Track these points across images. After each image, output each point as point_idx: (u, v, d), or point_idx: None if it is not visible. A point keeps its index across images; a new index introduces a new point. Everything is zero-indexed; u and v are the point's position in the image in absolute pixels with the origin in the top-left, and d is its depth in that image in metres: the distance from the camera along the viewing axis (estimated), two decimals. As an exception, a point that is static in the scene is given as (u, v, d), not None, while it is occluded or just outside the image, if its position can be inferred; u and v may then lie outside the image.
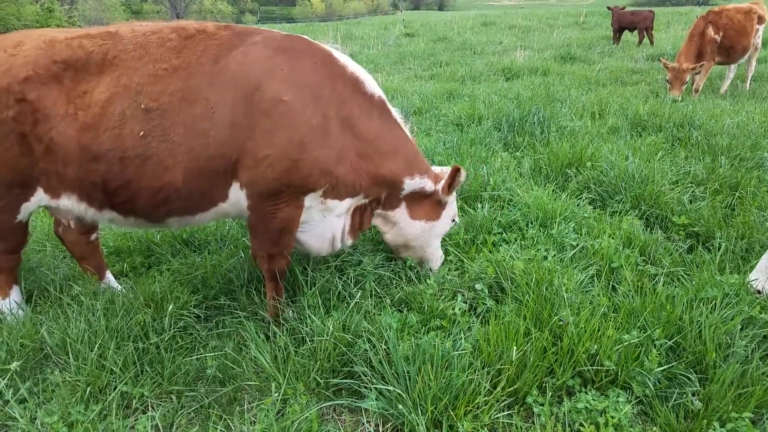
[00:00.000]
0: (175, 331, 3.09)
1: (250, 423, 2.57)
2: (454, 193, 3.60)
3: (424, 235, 3.59)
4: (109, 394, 2.66)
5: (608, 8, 19.16)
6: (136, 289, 3.40)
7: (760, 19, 9.47)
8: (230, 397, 2.78)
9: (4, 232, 3.11)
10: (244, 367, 2.87)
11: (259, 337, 2.99)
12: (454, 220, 3.69)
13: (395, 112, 3.36)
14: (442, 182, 3.44)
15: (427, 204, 3.52)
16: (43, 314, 3.20)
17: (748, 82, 10.01)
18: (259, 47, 2.92)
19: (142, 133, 2.75)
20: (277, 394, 2.64)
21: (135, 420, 2.61)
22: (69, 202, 2.98)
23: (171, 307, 3.16)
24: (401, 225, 3.53)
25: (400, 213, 3.50)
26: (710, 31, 9.12)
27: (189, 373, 2.87)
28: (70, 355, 2.81)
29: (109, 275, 3.67)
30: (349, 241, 3.50)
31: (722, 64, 9.59)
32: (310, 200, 3.08)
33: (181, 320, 3.20)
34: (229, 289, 3.58)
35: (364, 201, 3.37)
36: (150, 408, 2.69)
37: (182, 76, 2.79)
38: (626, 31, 18.19)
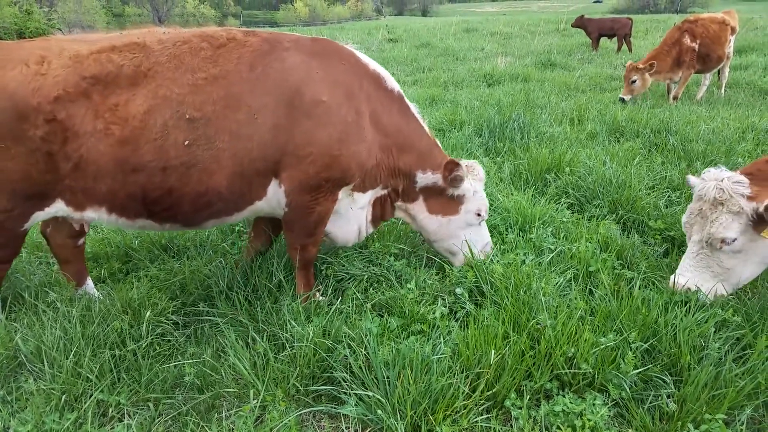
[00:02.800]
0: (152, 338, 3.06)
1: (229, 430, 2.55)
2: (478, 187, 3.66)
3: (443, 229, 3.70)
4: (85, 402, 2.61)
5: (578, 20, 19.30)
6: (114, 295, 3.35)
7: (732, 30, 9.69)
8: (208, 404, 2.75)
9: (7, 241, 3.05)
10: (223, 374, 2.85)
11: (238, 343, 2.97)
12: (479, 214, 3.68)
13: (413, 107, 3.53)
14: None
15: (443, 199, 3.62)
16: (18, 321, 3.14)
17: (723, 89, 10.23)
18: (293, 53, 3.08)
19: (186, 142, 2.82)
20: (255, 401, 2.63)
21: (111, 428, 2.57)
22: (95, 215, 3.00)
23: (149, 313, 3.12)
24: (419, 218, 3.69)
25: (418, 207, 3.66)
26: (687, 40, 9.29)
27: (167, 380, 2.84)
28: (45, 363, 2.77)
29: (89, 281, 3.62)
30: (371, 230, 3.70)
31: (698, 72, 9.79)
32: (342, 193, 3.29)
33: (159, 327, 3.16)
34: (207, 295, 3.55)
35: (383, 192, 3.56)
36: (126, 416, 2.65)
37: (223, 85, 2.89)
38: (604, 39, 18.53)
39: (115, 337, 2.98)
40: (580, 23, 18.69)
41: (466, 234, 3.71)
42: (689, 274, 3.31)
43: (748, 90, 10.60)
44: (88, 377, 2.72)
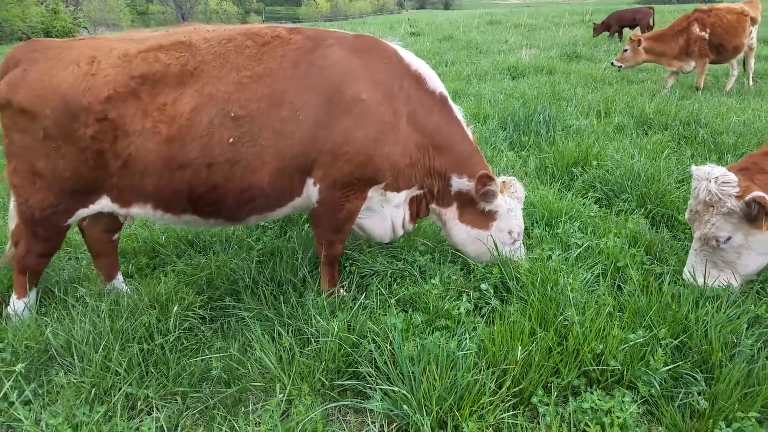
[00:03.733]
0: (180, 332, 3.10)
1: (255, 424, 2.56)
2: (514, 206, 3.51)
3: (470, 242, 3.58)
4: (114, 396, 2.66)
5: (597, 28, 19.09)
6: (142, 290, 3.41)
7: (753, 20, 9.38)
8: (235, 398, 2.78)
9: (50, 235, 3.16)
10: (249, 368, 2.87)
11: (264, 338, 2.99)
12: (510, 233, 3.52)
13: (456, 110, 3.47)
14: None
15: (476, 211, 3.51)
16: (48, 316, 3.22)
17: (750, 79, 9.98)
18: (336, 49, 3.07)
19: (231, 140, 2.87)
20: (281, 395, 2.64)
21: (140, 421, 2.61)
22: (141, 210, 3.06)
23: (176, 308, 3.16)
24: (449, 225, 3.62)
25: (451, 213, 3.58)
26: (696, 29, 9.09)
27: (194, 374, 2.88)
28: (75, 357, 2.82)
29: (119, 276, 3.69)
30: (410, 228, 3.69)
31: (714, 63, 9.57)
32: (373, 191, 3.29)
33: (186, 321, 3.21)
34: (233, 289, 3.58)
35: (419, 192, 3.52)
36: (155, 409, 2.69)
37: (267, 83, 2.91)
38: (622, 30, 18.41)
39: (143, 332, 3.03)
40: (602, 28, 18.50)
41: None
42: (696, 268, 3.33)
43: (781, 80, 10.29)
44: (117, 371, 2.77)
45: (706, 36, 9.08)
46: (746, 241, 3.18)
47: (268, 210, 3.21)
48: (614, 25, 18.03)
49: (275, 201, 3.15)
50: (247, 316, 3.26)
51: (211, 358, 2.94)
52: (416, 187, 3.46)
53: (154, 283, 3.49)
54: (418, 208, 3.60)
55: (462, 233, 3.59)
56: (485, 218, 3.52)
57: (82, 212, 3.09)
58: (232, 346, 3.04)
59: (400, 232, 3.64)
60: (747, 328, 2.91)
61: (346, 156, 3.02)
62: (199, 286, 3.62)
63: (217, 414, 2.63)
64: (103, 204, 3.05)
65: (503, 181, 3.56)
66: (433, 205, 3.60)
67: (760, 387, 2.53)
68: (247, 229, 4.43)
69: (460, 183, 3.46)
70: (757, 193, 2.99)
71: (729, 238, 3.17)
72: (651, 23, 17.48)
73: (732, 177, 3.16)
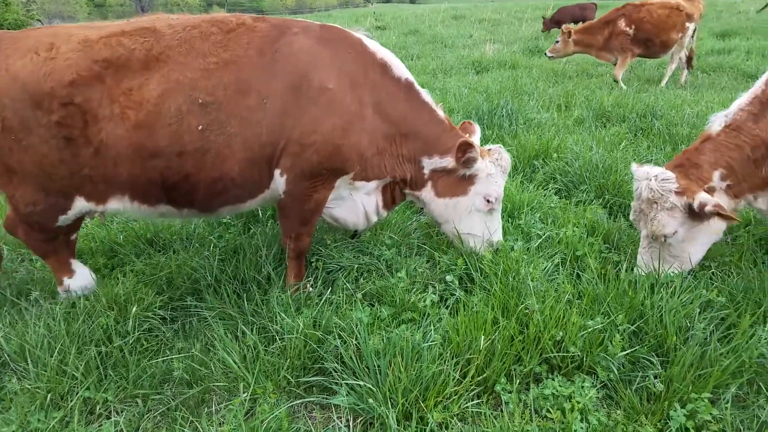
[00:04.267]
0: (139, 334, 3.03)
1: (219, 424, 2.53)
2: (494, 171, 3.48)
3: (449, 211, 3.56)
4: (71, 400, 2.58)
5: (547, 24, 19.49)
6: (99, 291, 3.30)
7: (689, 16, 9.34)
8: (198, 398, 2.73)
9: (42, 230, 3.12)
10: (212, 368, 2.82)
11: (227, 337, 2.95)
12: (489, 200, 3.49)
13: (423, 94, 3.44)
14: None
15: (452, 179, 3.48)
16: (0, 320, 3.09)
17: (684, 77, 9.95)
18: (301, 37, 3.05)
19: (200, 127, 2.83)
20: (245, 394, 2.61)
21: (99, 426, 2.54)
22: (119, 204, 3.02)
23: (135, 309, 3.09)
24: (428, 203, 3.61)
25: (426, 192, 3.57)
26: (621, 23, 9.20)
27: (155, 376, 2.82)
28: (29, 362, 2.73)
29: None
30: (384, 214, 3.69)
31: (644, 57, 9.70)
32: (340, 181, 3.28)
33: (146, 322, 3.13)
34: (195, 289, 3.51)
35: (389, 180, 3.50)
36: (114, 413, 2.62)
37: (233, 70, 2.88)
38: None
39: (100, 334, 2.95)
40: (552, 23, 18.88)
41: (471, 220, 3.53)
42: (648, 266, 3.45)
43: (731, 73, 10.66)
44: (73, 375, 2.69)
45: (630, 32, 9.16)
46: (690, 233, 3.32)
47: (240, 201, 3.19)
48: (567, 20, 18.41)
49: (247, 192, 3.13)
50: (210, 316, 3.21)
51: (172, 359, 2.88)
52: (388, 178, 3.46)
53: (112, 283, 3.39)
54: (392, 195, 3.60)
55: (441, 206, 3.55)
56: (464, 183, 3.48)
57: (63, 219, 3.03)
58: (194, 347, 2.99)
59: (374, 219, 3.63)
60: (699, 313, 3.02)
61: (314, 146, 3.00)
62: (159, 286, 3.53)
63: (179, 415, 2.58)
64: (79, 206, 2.99)
65: (489, 149, 3.56)
66: (407, 191, 3.60)
67: (712, 368, 2.63)
68: (208, 226, 4.35)
69: (431, 163, 3.45)
70: (711, 202, 3.13)
71: (675, 232, 3.29)
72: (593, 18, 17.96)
73: (670, 174, 3.30)
